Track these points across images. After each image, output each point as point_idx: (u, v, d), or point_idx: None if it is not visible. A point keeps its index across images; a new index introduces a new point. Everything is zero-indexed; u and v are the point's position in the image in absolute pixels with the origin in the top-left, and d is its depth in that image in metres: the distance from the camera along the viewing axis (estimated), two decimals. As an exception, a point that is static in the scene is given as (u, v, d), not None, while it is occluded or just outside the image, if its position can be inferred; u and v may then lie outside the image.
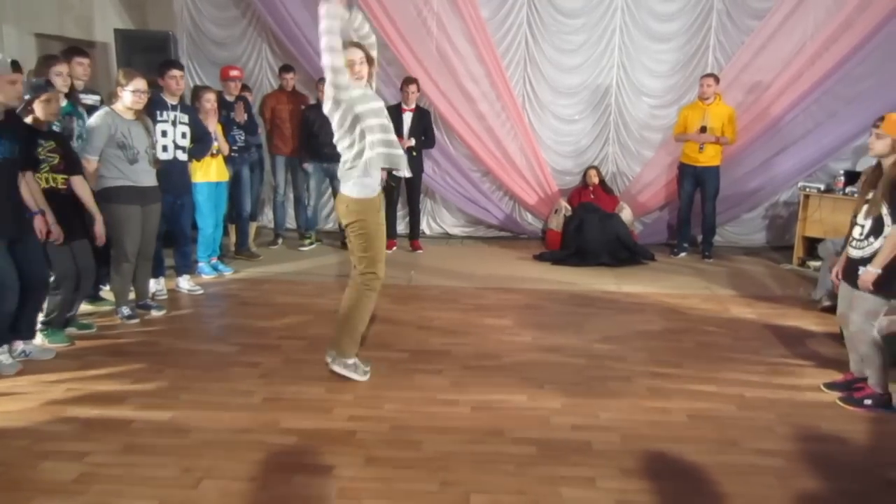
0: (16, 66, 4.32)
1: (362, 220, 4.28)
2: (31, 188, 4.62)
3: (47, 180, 4.83)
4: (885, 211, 4.08)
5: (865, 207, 4.24)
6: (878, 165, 4.25)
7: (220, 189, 6.86)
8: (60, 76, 5.24)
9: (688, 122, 8.02)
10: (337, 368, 4.51)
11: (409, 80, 8.06)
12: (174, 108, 5.97)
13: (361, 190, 4.26)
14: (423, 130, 8.09)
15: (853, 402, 4.36)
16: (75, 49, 5.91)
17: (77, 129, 5.46)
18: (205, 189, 6.60)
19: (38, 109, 4.71)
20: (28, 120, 4.72)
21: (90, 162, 5.20)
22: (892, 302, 4.29)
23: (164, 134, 5.86)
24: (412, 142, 7.99)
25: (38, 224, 4.65)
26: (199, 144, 6.26)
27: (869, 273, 4.11)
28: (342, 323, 4.46)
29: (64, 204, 4.90)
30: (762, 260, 8.36)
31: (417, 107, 8.11)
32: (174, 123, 5.94)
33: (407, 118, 7.99)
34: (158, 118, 5.80)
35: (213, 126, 6.56)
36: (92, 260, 5.24)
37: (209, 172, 6.64)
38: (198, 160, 6.42)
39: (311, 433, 3.82)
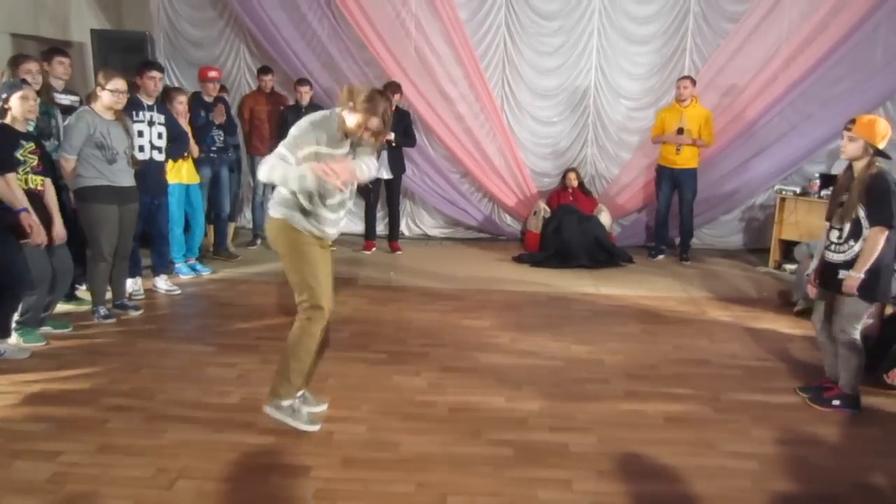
0: None
1: (283, 238, 3.76)
2: (11, 187, 4.57)
3: (26, 181, 4.77)
4: (861, 214, 4.10)
5: (840, 210, 4.24)
6: (850, 168, 4.27)
7: (192, 191, 6.84)
8: (30, 74, 5.20)
9: (665, 124, 8.06)
10: (269, 411, 3.86)
11: (395, 89, 7.93)
12: (150, 108, 5.94)
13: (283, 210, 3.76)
14: (402, 130, 8.07)
15: (821, 401, 4.40)
16: (55, 49, 5.91)
17: (52, 128, 5.41)
18: (175, 190, 6.55)
19: (16, 107, 4.66)
20: (7, 120, 4.68)
21: (68, 161, 5.17)
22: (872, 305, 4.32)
23: (140, 134, 5.81)
24: (391, 135, 7.96)
25: (25, 221, 4.60)
26: (176, 144, 6.23)
27: (852, 278, 4.12)
28: (280, 360, 3.86)
29: (38, 205, 4.84)
30: (739, 262, 8.42)
31: (397, 108, 8.09)
32: (150, 124, 5.91)
33: None
34: (134, 118, 5.75)
35: (185, 127, 6.53)
36: (70, 261, 5.21)
37: (180, 174, 6.62)
38: (174, 160, 6.39)
39: (288, 434, 3.81)
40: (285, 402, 3.85)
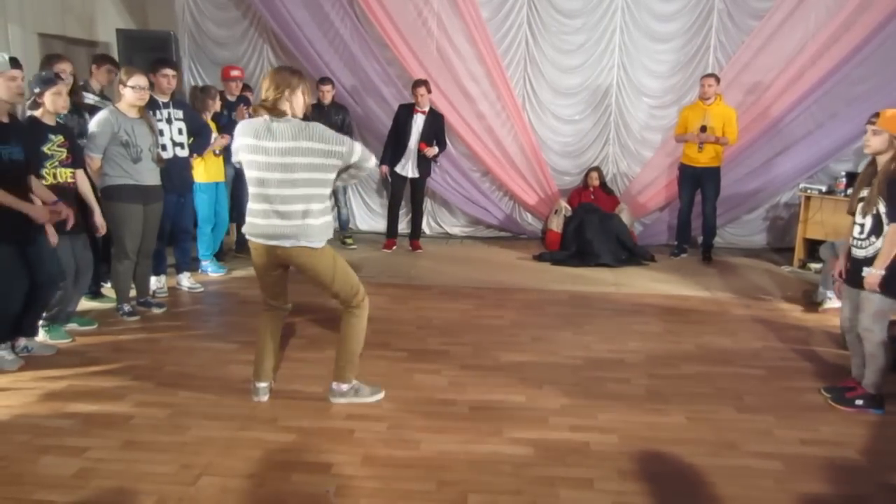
0: (15, 62, 4.32)
1: (329, 258, 4.05)
2: (36, 187, 4.62)
3: (55, 175, 4.83)
4: (882, 209, 4.04)
5: (861, 205, 4.19)
6: (873, 162, 4.21)
7: (220, 189, 6.89)
8: (63, 74, 5.26)
9: (688, 122, 7.98)
10: (337, 399, 4.17)
11: (418, 83, 7.96)
12: (166, 105, 5.95)
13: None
14: (434, 134, 8.08)
15: (844, 401, 4.34)
16: (108, 57, 6.19)
17: (78, 128, 5.48)
18: (205, 189, 6.65)
19: (49, 101, 4.74)
20: (38, 113, 4.76)
21: (94, 160, 5.22)
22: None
23: (161, 133, 5.82)
24: (434, 151, 8.03)
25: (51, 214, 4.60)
26: (199, 138, 6.28)
27: (873, 275, 4.06)
28: (343, 352, 4.14)
29: (69, 199, 4.90)
30: (762, 262, 8.35)
31: (431, 110, 8.09)
32: (169, 121, 5.93)
33: (419, 120, 7.97)
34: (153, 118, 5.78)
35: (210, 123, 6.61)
36: (90, 254, 5.28)
37: (209, 172, 6.68)
38: (199, 155, 6.43)
39: (310, 431, 3.83)
40: (346, 386, 4.16)
